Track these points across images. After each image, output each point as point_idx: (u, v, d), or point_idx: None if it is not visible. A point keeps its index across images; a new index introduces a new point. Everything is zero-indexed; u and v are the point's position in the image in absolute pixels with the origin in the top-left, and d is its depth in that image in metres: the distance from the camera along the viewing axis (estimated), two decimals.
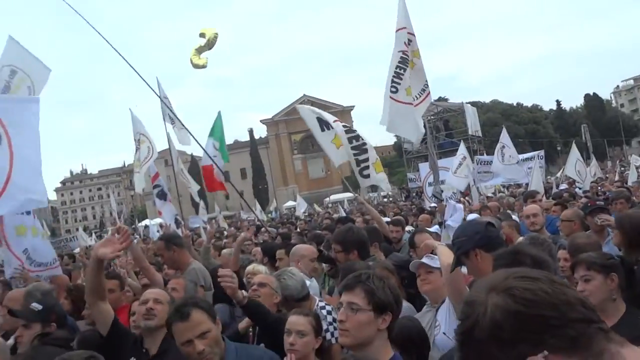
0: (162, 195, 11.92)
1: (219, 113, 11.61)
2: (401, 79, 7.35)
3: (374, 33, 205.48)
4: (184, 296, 3.90)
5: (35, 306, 3.42)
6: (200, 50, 7.21)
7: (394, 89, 7.37)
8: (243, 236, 6.28)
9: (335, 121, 8.49)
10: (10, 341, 3.46)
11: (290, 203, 49.41)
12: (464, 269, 2.99)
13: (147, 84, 5.71)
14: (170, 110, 10.87)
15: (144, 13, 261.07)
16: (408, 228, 8.66)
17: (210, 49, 7.21)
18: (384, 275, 3.00)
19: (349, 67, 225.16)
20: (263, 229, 11.09)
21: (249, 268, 4.59)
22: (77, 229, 46.71)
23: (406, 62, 7.38)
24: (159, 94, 10.19)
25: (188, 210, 16.80)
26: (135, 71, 5.56)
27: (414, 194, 34.81)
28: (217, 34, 7.13)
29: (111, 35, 5.87)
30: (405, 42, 7.41)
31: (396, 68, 7.35)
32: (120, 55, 5.63)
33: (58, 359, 1.90)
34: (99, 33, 5.76)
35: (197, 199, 12.73)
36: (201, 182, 12.41)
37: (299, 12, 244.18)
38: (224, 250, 7.46)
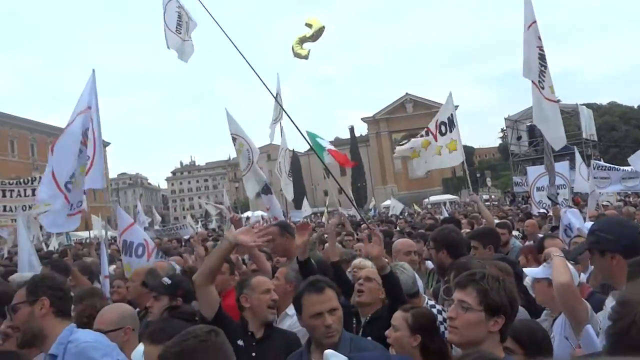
0: (267, 190, 12.19)
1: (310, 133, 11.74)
2: (544, 75, 7.04)
3: (479, 32, 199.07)
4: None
5: (166, 280, 3.74)
6: (303, 40, 7.30)
7: (541, 86, 7.05)
8: (334, 222, 6.31)
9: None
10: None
11: (389, 202, 49.18)
12: (576, 274, 2.84)
13: (262, 81, 5.89)
14: (282, 108, 11.11)
15: (250, 11, 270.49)
16: (514, 233, 8.34)
17: (314, 41, 7.30)
18: (500, 276, 2.92)
19: (453, 66, 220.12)
20: (363, 225, 11.11)
21: (356, 262, 4.63)
22: (185, 217, 49.48)
23: (544, 58, 7.06)
24: (271, 91, 10.52)
25: (290, 205, 17.18)
26: (253, 69, 5.76)
27: (520, 199, 33.33)
28: (323, 27, 7.19)
29: (220, 31, 6.12)
30: (538, 37, 7.09)
31: (539, 65, 7.03)
32: (239, 52, 5.85)
33: (185, 331, 2.04)
34: (222, 29, 6.03)
35: (289, 196, 12.86)
36: (301, 179, 12.65)
37: (403, 10, 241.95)
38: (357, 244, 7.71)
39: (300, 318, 2.85)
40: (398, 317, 3.01)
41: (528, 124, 40.94)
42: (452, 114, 9.15)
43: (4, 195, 13.82)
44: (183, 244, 14.45)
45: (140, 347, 2.90)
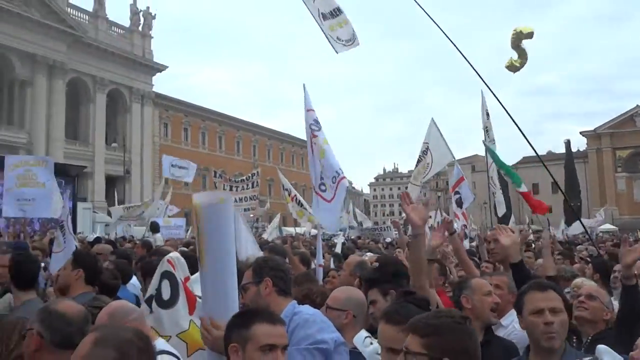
0: (460, 204, 11.88)
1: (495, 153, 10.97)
2: None
3: None
4: None
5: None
6: (520, 54, 6.92)
7: None
8: (546, 235, 5.98)
9: None
10: None
11: (607, 226, 44.11)
12: None
13: (490, 89, 5.77)
14: (486, 120, 10.77)
15: (458, 21, 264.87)
16: None
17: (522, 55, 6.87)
18: None
19: None
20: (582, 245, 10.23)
21: (577, 281, 4.38)
22: (384, 222, 50.48)
23: None
24: (485, 103, 10.30)
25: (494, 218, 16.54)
26: (480, 76, 5.69)
27: None
28: (532, 32, 6.72)
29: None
30: None
31: None
32: (466, 60, 5.82)
33: (435, 311, 2.15)
34: (450, 39, 6.08)
35: (500, 210, 12.17)
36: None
37: (632, 13, 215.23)
38: (538, 261, 7.22)
39: (521, 319, 2.76)
40: None
41: None
42: None
43: (231, 189, 15.79)
44: (385, 246, 14.83)
45: (362, 333, 3.06)
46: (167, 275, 3.24)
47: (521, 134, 6.23)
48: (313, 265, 6.80)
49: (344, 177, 6.87)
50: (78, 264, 4.20)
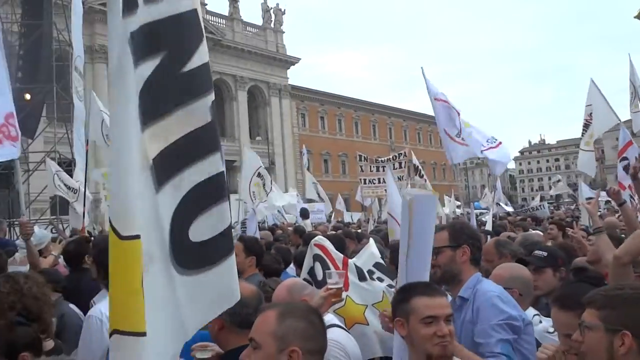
0: (628, 171, 10.80)
1: None
2: None
3: None
4: None
5: (540, 253, 3.74)
6: None
7: None
8: None
9: None
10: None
11: None
12: None
13: None
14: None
15: None
16: None
17: None
18: None
19: None
20: None
21: None
22: (533, 198, 47.46)
23: None
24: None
25: None
26: None
27: None
28: None
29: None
30: None
31: None
32: None
33: (617, 284, 2.03)
34: None
35: None
36: None
37: None
38: None
39: None
40: None
41: None
42: None
43: (377, 170, 15.99)
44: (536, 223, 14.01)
45: (530, 311, 2.93)
46: (318, 257, 3.50)
47: None
48: None
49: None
50: (250, 251, 4.58)
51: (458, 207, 22.67)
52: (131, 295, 1.39)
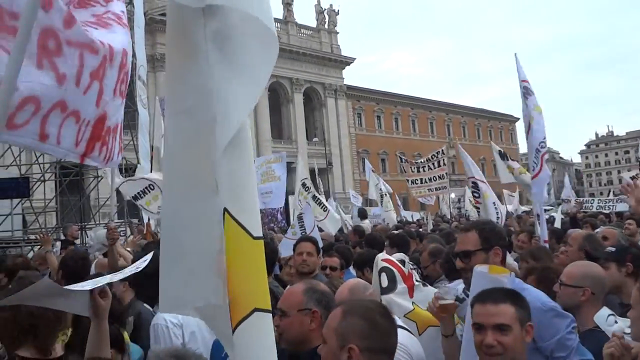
0: None
1: None
2: None
3: None
4: None
5: (610, 248, 3.62)
6: None
7: None
8: None
9: None
10: None
11: None
12: None
13: None
14: None
15: None
16: None
17: None
18: None
19: None
20: None
21: None
22: (601, 193, 45.52)
23: None
24: None
25: None
26: None
27: None
28: None
29: None
30: None
31: None
32: None
33: None
34: None
35: None
36: None
37: None
38: None
39: None
40: None
41: None
42: None
43: (418, 170, 15.88)
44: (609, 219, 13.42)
45: (604, 311, 2.83)
46: (384, 269, 3.56)
47: None
48: None
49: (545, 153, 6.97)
50: (319, 251, 4.89)
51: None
52: (264, 282, 1.57)
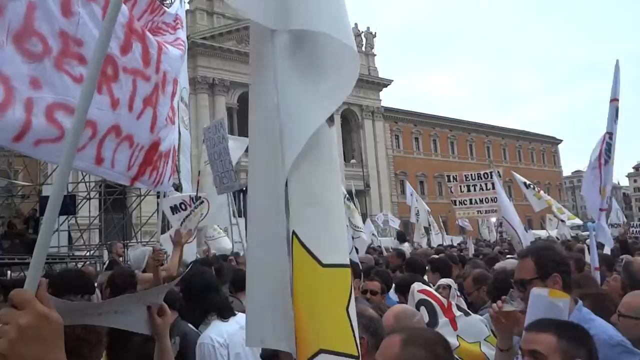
0: None
1: None
2: None
3: None
4: None
5: None
6: None
7: None
8: None
9: None
10: None
11: None
12: None
13: None
14: None
15: None
16: None
17: None
18: None
19: None
20: None
21: None
22: None
23: None
24: None
25: None
26: None
27: None
28: None
29: None
30: None
31: None
32: None
33: None
34: None
35: None
36: None
37: None
38: None
39: None
40: None
41: None
42: None
43: (468, 190, 15.54)
44: None
45: None
46: (423, 302, 3.48)
47: None
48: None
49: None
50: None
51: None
52: (340, 319, 1.37)
